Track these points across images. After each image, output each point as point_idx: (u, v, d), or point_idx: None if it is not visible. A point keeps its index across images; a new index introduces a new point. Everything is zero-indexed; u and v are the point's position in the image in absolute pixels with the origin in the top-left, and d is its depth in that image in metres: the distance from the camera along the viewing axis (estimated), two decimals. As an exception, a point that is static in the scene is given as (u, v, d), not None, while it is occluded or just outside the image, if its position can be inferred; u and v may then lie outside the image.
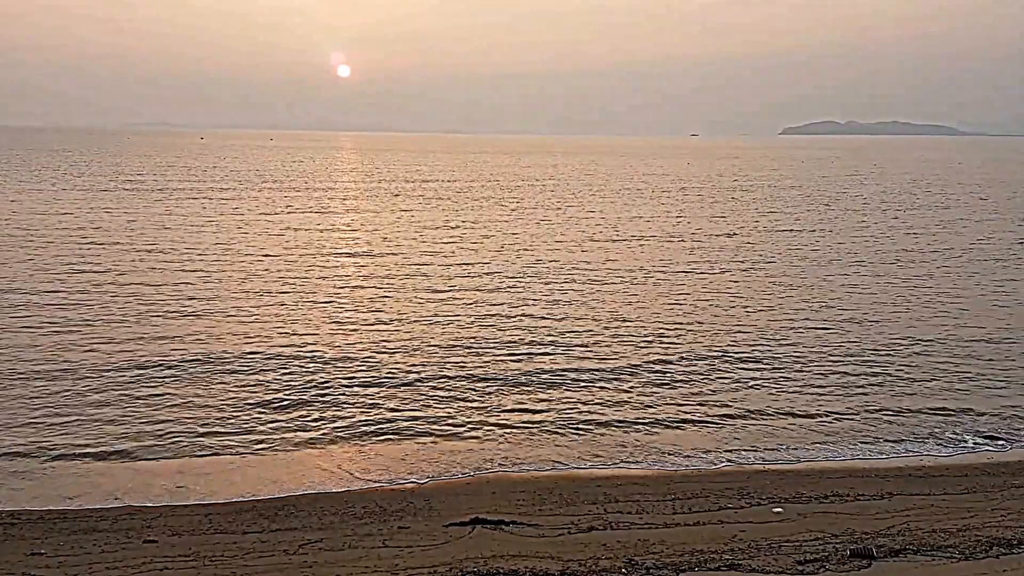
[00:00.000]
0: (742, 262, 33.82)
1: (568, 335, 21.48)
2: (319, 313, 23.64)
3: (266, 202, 56.86)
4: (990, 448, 14.90)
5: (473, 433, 14.98)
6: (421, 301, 25.45)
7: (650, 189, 75.52)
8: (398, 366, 18.65)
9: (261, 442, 14.42)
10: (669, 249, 37.41)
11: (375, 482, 13.04)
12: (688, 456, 14.28)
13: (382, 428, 15.09)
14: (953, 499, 11.94)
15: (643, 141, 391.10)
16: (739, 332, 22.15)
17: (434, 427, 15.19)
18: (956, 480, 12.99)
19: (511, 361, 19.10)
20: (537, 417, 15.75)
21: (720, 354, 20.00)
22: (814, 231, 44.70)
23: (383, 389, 17.13)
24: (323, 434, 14.82)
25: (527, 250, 36.25)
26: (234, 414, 15.60)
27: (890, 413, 16.38)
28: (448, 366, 18.69)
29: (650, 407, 16.42)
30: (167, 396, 16.46)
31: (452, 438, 14.77)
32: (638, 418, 15.80)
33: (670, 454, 14.36)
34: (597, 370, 18.59)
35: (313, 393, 16.80)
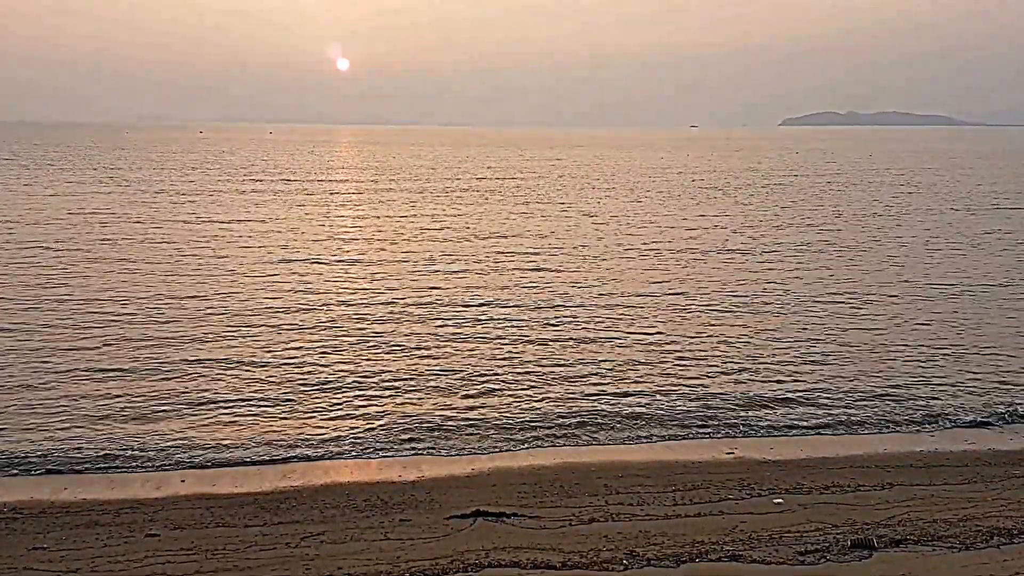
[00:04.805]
0: (744, 254, 33.79)
1: (568, 332, 21.48)
2: (318, 311, 23.64)
3: (266, 199, 56.78)
4: (990, 438, 14.90)
5: (474, 428, 14.99)
6: (421, 299, 25.44)
7: (662, 185, 75.44)
8: (399, 363, 18.66)
9: (262, 438, 14.43)
10: (670, 249, 37.38)
11: (376, 475, 13.06)
12: (689, 447, 14.30)
13: (382, 424, 15.11)
14: (954, 489, 11.96)
15: (642, 133, 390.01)
16: (737, 326, 22.15)
17: (435, 422, 15.19)
18: (957, 470, 13.00)
19: (512, 358, 19.11)
20: (538, 413, 15.75)
21: (717, 348, 20.02)
22: (812, 225, 44.69)
23: (384, 386, 17.14)
24: (324, 430, 14.84)
25: (530, 248, 36.20)
26: (235, 410, 15.61)
27: (891, 403, 16.39)
28: (448, 362, 18.71)
29: (650, 401, 16.42)
30: (167, 393, 16.47)
31: (453, 434, 14.78)
32: (638, 413, 15.80)
33: (671, 446, 14.38)
34: (597, 366, 18.59)
35: (313, 389, 16.81)
